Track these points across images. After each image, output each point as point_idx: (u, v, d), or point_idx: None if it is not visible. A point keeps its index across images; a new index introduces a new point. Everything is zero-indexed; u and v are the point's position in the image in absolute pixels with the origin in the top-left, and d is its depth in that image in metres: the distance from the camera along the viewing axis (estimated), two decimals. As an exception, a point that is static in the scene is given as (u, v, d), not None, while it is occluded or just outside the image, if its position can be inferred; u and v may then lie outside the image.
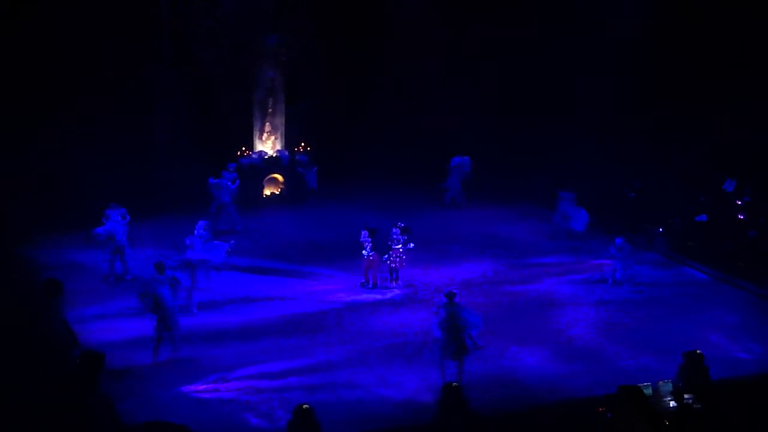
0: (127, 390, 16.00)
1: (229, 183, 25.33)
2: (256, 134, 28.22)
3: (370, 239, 21.24)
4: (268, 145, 28.33)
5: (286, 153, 28.37)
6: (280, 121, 28.46)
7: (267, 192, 28.26)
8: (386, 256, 21.35)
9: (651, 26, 27.16)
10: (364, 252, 21.23)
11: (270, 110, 28.20)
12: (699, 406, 14.05)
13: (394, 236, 21.42)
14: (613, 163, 26.83)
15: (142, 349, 17.75)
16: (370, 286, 21.39)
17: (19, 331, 15.74)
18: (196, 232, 20.30)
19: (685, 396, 14.39)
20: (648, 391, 13.93)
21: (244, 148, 27.91)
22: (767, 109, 24.45)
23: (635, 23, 27.46)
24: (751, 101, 24.74)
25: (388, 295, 21.12)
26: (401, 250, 21.32)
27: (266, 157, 28.13)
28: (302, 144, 28.75)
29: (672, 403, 14.31)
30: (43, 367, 14.43)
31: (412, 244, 21.55)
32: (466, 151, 27.77)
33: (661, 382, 14.74)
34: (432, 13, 29.69)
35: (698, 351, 15.25)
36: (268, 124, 28.28)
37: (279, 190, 28.39)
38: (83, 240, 23.49)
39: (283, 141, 28.61)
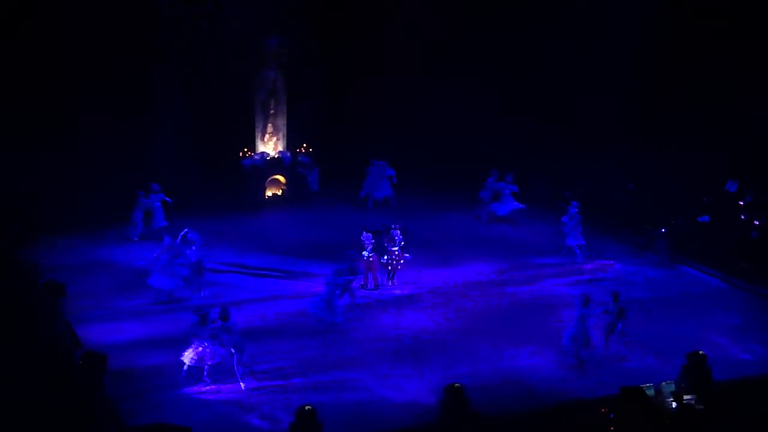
0: (129, 391, 16.02)
1: None
2: (258, 135, 28.20)
3: (372, 241, 21.24)
4: (269, 146, 28.32)
5: (288, 154, 28.36)
6: (281, 122, 28.45)
7: (269, 193, 28.25)
8: (384, 258, 21.37)
9: (653, 27, 27.11)
10: (364, 253, 21.18)
11: (272, 111, 28.19)
12: (701, 406, 14.04)
13: (395, 238, 21.45)
14: (614, 164, 26.79)
15: (145, 351, 17.76)
16: (372, 287, 21.37)
17: (21, 332, 15.76)
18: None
19: (688, 397, 14.38)
20: (650, 392, 13.94)
21: (246, 150, 27.90)
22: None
23: (637, 25, 27.40)
24: (753, 101, 24.73)
25: (389, 295, 21.09)
26: (397, 252, 21.35)
27: (268, 158, 28.12)
28: (304, 145, 28.74)
29: (674, 404, 14.31)
30: (46, 368, 14.45)
31: (409, 255, 21.57)
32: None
33: (663, 383, 14.75)
34: (432, 15, 29.67)
35: (701, 352, 15.25)
36: (269, 125, 28.27)
37: (281, 191, 28.39)
38: (85, 241, 23.65)
39: (285, 142, 28.59)
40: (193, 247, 20.38)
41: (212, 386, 16.55)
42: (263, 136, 28.26)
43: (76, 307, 19.09)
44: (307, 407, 13.14)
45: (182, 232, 20.45)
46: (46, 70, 24.95)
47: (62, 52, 25.00)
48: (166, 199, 24.55)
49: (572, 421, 13.88)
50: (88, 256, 22.99)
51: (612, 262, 23.33)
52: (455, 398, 13.44)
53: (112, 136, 25.46)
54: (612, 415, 12.57)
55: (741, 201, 24.41)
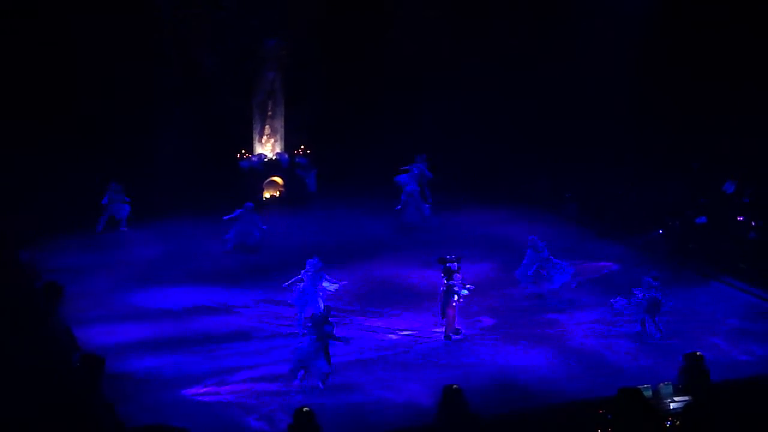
0: (127, 393, 16.02)
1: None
2: (256, 137, 28.22)
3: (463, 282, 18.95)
4: (267, 147, 28.33)
5: (286, 156, 28.36)
6: (279, 123, 28.46)
7: (267, 195, 28.24)
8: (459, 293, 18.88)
9: (653, 28, 27.15)
10: (459, 297, 18.74)
11: (270, 113, 28.20)
12: (699, 408, 14.05)
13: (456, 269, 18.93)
14: (612, 164, 26.83)
15: (143, 353, 17.78)
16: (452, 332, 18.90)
17: (19, 334, 15.74)
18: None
19: (686, 398, 14.40)
20: (648, 393, 13.95)
21: (243, 151, 27.92)
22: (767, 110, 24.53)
23: (636, 27, 27.43)
24: (752, 102, 24.77)
25: (388, 298, 21.06)
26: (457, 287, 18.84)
27: (266, 159, 28.12)
28: (302, 147, 28.74)
29: (672, 405, 14.33)
30: (44, 370, 14.43)
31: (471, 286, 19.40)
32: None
33: (661, 384, 14.76)
34: (432, 19, 29.72)
35: (698, 353, 15.27)
36: (267, 126, 28.28)
37: (279, 193, 28.39)
38: (85, 243, 23.65)
39: (283, 144, 28.61)
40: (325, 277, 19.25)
41: (211, 388, 16.56)
42: (261, 137, 28.27)
43: (74, 309, 19.09)
44: (305, 408, 13.14)
45: (315, 263, 19.19)
46: (48, 73, 24.98)
47: (63, 54, 25.04)
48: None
49: (570, 423, 13.87)
50: (87, 258, 22.99)
51: (609, 263, 23.33)
52: (453, 400, 13.44)
53: (111, 136, 25.50)
54: (609, 416, 12.58)
55: (738, 202, 24.44)
